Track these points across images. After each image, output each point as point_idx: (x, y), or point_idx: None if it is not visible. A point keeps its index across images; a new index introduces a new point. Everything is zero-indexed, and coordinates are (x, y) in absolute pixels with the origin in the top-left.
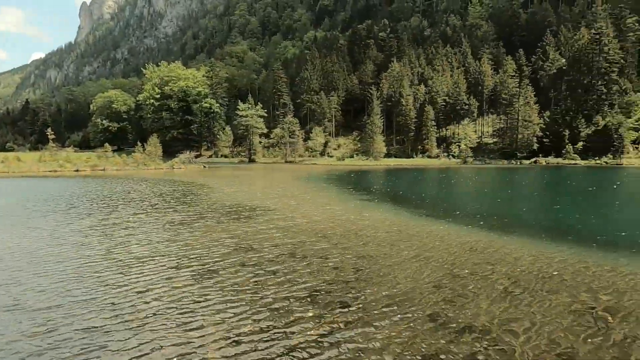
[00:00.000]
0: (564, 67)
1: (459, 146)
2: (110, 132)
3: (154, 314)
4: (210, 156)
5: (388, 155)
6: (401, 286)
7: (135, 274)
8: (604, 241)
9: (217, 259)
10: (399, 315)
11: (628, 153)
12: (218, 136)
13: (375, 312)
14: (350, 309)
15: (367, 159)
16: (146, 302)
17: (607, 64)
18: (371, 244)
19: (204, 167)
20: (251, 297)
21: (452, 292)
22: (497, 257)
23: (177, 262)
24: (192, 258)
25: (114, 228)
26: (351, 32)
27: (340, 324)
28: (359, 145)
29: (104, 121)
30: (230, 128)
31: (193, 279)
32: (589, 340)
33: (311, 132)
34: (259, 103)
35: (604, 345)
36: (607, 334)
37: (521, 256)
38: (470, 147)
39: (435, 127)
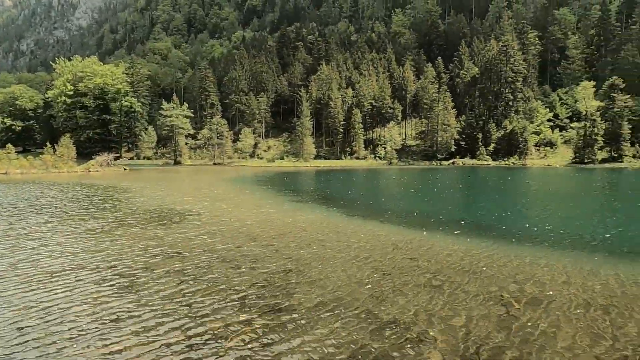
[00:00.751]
0: (477, 76)
1: (385, 148)
2: (14, 132)
3: (71, 337)
4: (132, 158)
5: (318, 156)
6: (333, 286)
7: (47, 291)
8: (521, 236)
9: (142, 269)
10: (330, 315)
11: (531, 154)
12: (140, 137)
13: (307, 313)
14: (282, 312)
15: (297, 161)
16: (61, 323)
17: (513, 74)
18: (303, 246)
19: (125, 169)
20: (180, 307)
21: (382, 289)
22: (423, 253)
23: (97, 275)
24: (115, 269)
25: (20, 239)
26: (280, 33)
27: (272, 328)
28: (289, 147)
29: (6, 119)
30: (153, 128)
31: (116, 293)
32: (504, 327)
33: (240, 134)
34: (184, 103)
35: (516, 332)
36: (519, 322)
37: (446, 252)
38: (395, 149)
39: (363, 129)
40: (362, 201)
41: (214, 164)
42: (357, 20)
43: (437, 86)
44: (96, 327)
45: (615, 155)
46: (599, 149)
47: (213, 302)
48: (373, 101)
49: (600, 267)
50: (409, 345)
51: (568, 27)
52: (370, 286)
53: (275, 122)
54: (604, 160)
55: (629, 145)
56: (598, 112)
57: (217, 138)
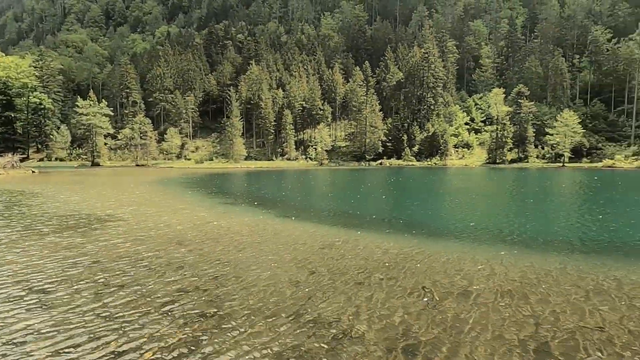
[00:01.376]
0: (402, 80)
1: (316, 149)
2: None
3: None
4: (42, 159)
5: (248, 157)
6: (269, 290)
7: None
8: (448, 232)
9: (57, 282)
10: (267, 320)
11: (451, 155)
12: (51, 136)
13: (243, 320)
14: (216, 320)
15: (227, 162)
16: None
17: (434, 80)
18: (233, 249)
19: (33, 172)
20: (102, 322)
21: (319, 290)
22: (359, 252)
23: (3, 293)
24: (24, 284)
25: None
26: (208, 31)
27: (204, 338)
28: (219, 148)
29: None
30: (67, 127)
31: (26, 311)
32: (436, 321)
33: (166, 134)
34: (103, 100)
35: (437, 323)
36: (450, 315)
37: (380, 250)
38: (326, 150)
39: (294, 130)
40: (295, 202)
41: (137, 165)
42: (287, 22)
43: (365, 89)
44: (3, 354)
45: (522, 156)
46: (508, 150)
47: (140, 314)
48: (304, 102)
49: (518, 259)
50: (346, 345)
51: (481, 38)
52: (307, 288)
53: (204, 122)
54: (512, 161)
55: (533, 147)
56: (507, 117)
57: (140, 138)
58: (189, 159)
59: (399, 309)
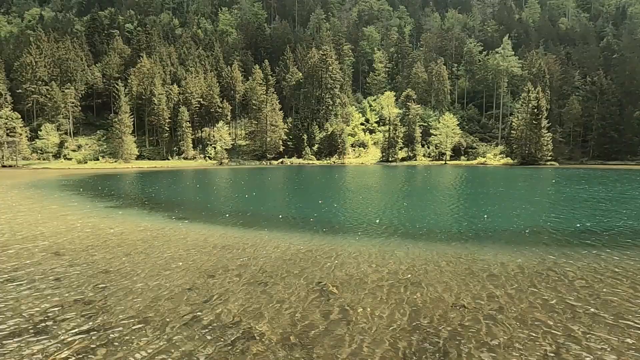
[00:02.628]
0: (301, 80)
1: (215, 148)
2: None
3: None
4: None
5: (141, 157)
6: (156, 296)
7: None
8: (344, 227)
9: None
10: (151, 328)
11: (348, 154)
12: None
13: (129, 329)
14: (100, 331)
15: (116, 162)
16: None
17: (332, 81)
18: (122, 255)
19: None
20: None
21: (210, 292)
22: (252, 253)
23: None
24: None
25: None
26: (90, 17)
27: (88, 352)
28: (106, 146)
29: None
30: None
31: None
32: (330, 313)
33: (40, 130)
34: None
35: (335, 316)
36: (343, 306)
37: (275, 248)
38: (226, 149)
39: (191, 128)
40: (193, 204)
41: (3, 166)
42: (182, 14)
43: (265, 88)
44: None
45: (411, 155)
46: (399, 149)
47: (8, 334)
48: (201, 99)
49: (409, 249)
50: (246, 346)
51: (374, 43)
52: (204, 292)
53: (87, 118)
54: (403, 159)
55: (420, 146)
56: (398, 118)
57: (7, 135)
58: (70, 159)
59: (299, 305)
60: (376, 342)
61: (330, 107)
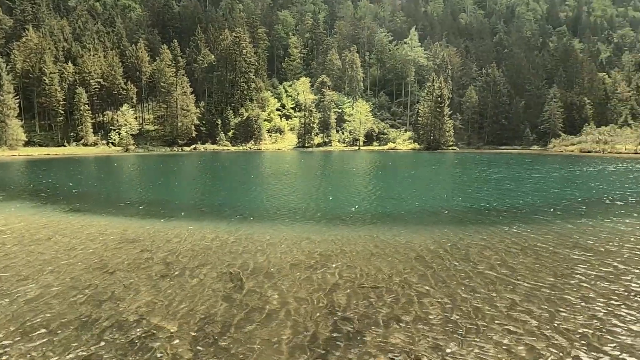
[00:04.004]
0: (214, 63)
1: (120, 133)
2: None
3: None
4: None
5: (30, 143)
6: (42, 300)
7: None
8: (253, 215)
9: None
10: (40, 334)
11: (264, 140)
12: None
13: (8, 340)
14: None
15: None
16: None
17: (247, 65)
18: (2, 257)
19: None
20: None
21: (109, 290)
22: (157, 244)
23: None
24: None
25: None
26: None
27: None
28: None
29: None
30: None
31: None
32: (238, 303)
33: None
34: None
35: (247, 304)
36: (246, 294)
37: (180, 239)
38: (132, 135)
39: (90, 112)
40: (90, 194)
41: None
42: None
43: (175, 70)
44: None
45: (327, 140)
46: (315, 135)
47: None
48: (102, 80)
49: (324, 233)
50: (151, 345)
51: (289, 28)
52: (103, 290)
53: None
54: (319, 145)
55: (335, 132)
56: (314, 104)
57: None
58: None
59: (207, 297)
60: (289, 328)
61: (245, 92)
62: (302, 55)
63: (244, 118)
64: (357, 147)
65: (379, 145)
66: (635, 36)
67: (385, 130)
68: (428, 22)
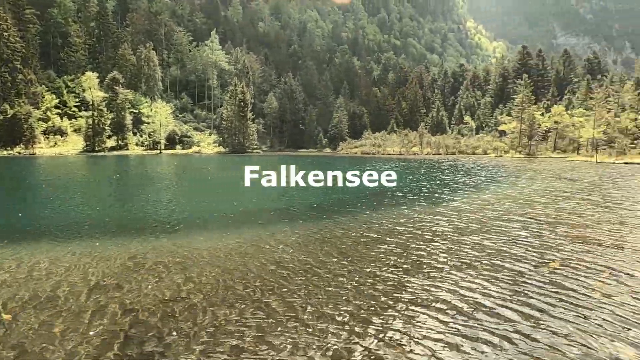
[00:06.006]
0: None
1: None
2: None
3: None
4: None
5: None
6: None
7: None
8: (35, 232)
9: None
10: None
11: (40, 143)
12: None
13: None
14: None
15: None
16: None
17: (10, 51)
18: None
19: None
20: None
21: None
22: None
23: None
24: None
25: None
26: None
27: None
28: None
29: None
30: None
31: None
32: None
33: None
34: None
35: (20, 345)
36: (21, 332)
37: None
38: None
39: None
40: None
41: None
42: None
43: None
44: None
45: (122, 144)
46: (108, 138)
47: None
48: None
49: (118, 248)
50: None
51: (69, 14)
52: None
53: None
54: (112, 148)
55: (132, 134)
56: (104, 103)
57: None
58: None
59: None
60: None
61: (9, 84)
62: (87, 46)
63: (9, 116)
64: (158, 151)
65: (183, 148)
66: (396, 59)
67: (189, 133)
68: (229, 27)
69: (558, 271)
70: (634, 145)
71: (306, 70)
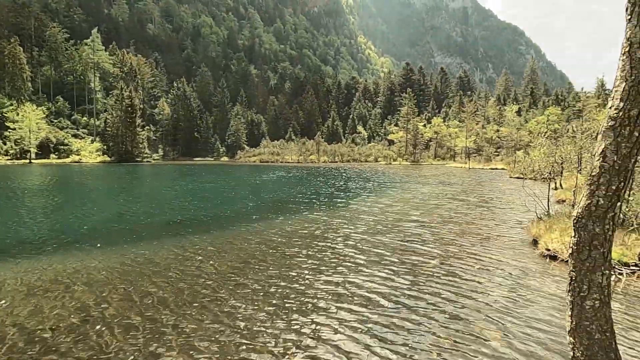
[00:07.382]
0: None
1: None
2: None
3: None
4: None
5: None
6: None
7: None
8: None
9: None
10: None
11: None
12: None
13: None
14: None
15: None
16: None
17: None
18: None
19: None
20: None
21: None
22: None
23: None
24: None
25: None
26: None
27: None
28: None
29: None
30: None
31: None
32: None
33: None
34: None
35: None
36: None
37: None
38: None
39: None
40: None
41: None
42: None
43: None
44: None
45: None
46: None
47: None
48: None
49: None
50: None
51: None
52: None
53: None
54: None
55: None
56: None
57: None
58: None
59: None
60: None
61: None
62: None
63: None
64: (27, 161)
65: (59, 157)
66: (292, 69)
67: (67, 141)
68: (113, 26)
69: (448, 262)
70: (497, 153)
71: (201, 76)
